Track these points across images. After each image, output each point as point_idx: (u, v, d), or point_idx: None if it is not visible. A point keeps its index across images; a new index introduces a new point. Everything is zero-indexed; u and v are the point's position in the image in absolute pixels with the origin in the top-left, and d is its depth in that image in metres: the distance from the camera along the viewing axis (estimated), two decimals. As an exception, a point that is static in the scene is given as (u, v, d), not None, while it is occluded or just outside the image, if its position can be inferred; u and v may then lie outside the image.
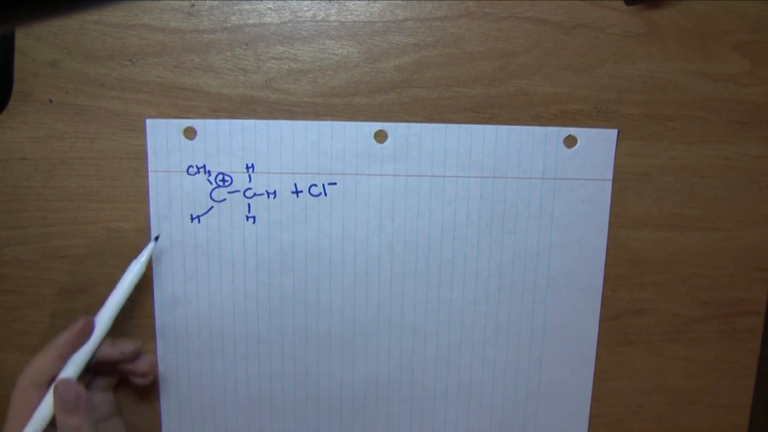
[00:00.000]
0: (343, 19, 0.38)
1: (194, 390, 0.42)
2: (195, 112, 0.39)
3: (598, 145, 0.40)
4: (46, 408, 0.34)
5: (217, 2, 0.38)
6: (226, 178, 0.39)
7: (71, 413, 0.34)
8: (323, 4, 0.38)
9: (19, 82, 0.38)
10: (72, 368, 0.35)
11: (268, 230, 0.40)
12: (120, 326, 0.41)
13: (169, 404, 0.42)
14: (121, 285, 0.37)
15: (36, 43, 0.38)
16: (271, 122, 0.39)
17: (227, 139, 0.39)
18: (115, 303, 0.37)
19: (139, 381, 0.39)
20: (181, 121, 0.39)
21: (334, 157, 0.39)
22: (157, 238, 0.39)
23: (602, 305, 0.42)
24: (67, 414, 0.34)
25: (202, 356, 0.41)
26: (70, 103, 0.38)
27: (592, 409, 0.43)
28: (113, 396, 0.40)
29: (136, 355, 0.38)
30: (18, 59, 0.38)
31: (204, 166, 0.39)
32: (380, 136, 0.39)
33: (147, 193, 0.40)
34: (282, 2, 0.38)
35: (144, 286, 0.41)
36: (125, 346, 0.38)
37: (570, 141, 0.40)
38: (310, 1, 0.38)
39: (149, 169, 0.39)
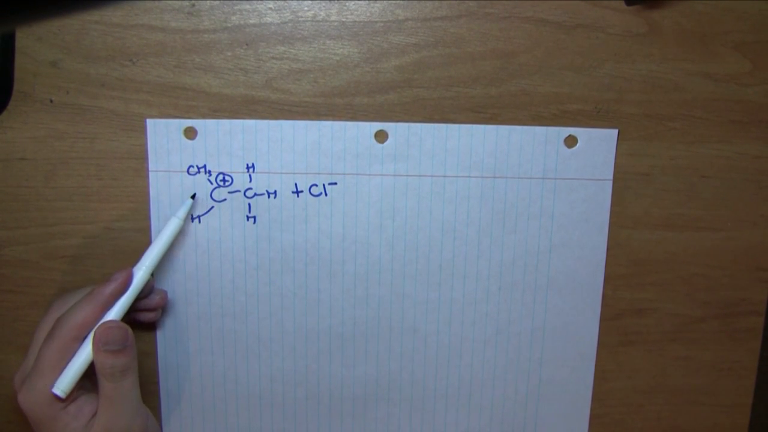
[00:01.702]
0: (344, 19, 0.38)
1: (194, 390, 0.42)
2: (195, 112, 0.39)
3: (599, 145, 0.40)
4: (84, 355, 0.34)
5: (217, 2, 0.38)
6: (227, 178, 0.39)
7: (120, 354, 0.34)
8: (324, 4, 0.38)
9: (19, 82, 0.38)
10: (113, 316, 0.35)
11: (269, 230, 0.40)
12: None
13: (169, 404, 0.42)
14: (158, 240, 0.38)
15: (36, 43, 0.38)
16: (272, 122, 0.39)
17: (228, 139, 0.39)
18: (152, 257, 0.37)
19: (149, 317, 0.39)
20: (182, 121, 0.39)
21: (334, 157, 0.39)
22: (194, 197, 0.39)
23: (602, 305, 0.42)
24: (115, 355, 0.34)
25: (202, 356, 0.41)
26: (71, 103, 0.38)
27: (592, 409, 0.43)
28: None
29: (150, 290, 0.38)
30: (18, 59, 0.38)
31: (204, 166, 0.39)
32: (381, 136, 0.39)
33: (147, 193, 0.40)
34: (282, 2, 0.38)
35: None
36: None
37: (570, 141, 0.40)
38: (310, 1, 0.38)
39: (150, 169, 0.39)
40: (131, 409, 0.35)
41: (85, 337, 0.34)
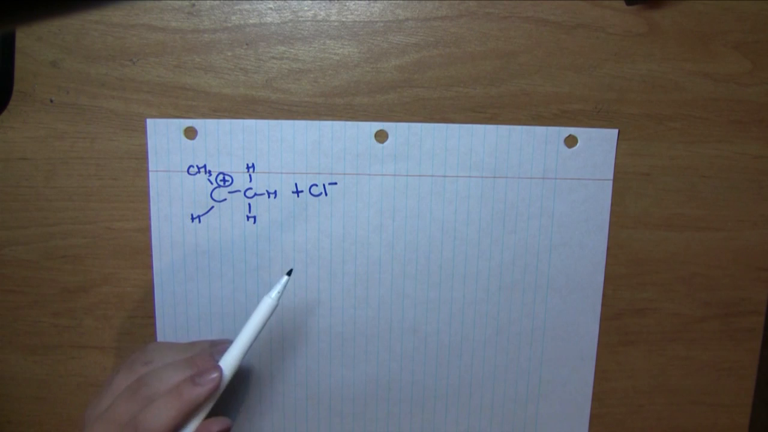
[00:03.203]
0: (344, 19, 0.38)
1: (195, 390, 0.42)
2: (195, 111, 0.39)
3: (599, 144, 0.40)
4: None
5: (217, 2, 0.38)
6: (227, 177, 0.39)
7: None
8: (324, 4, 0.38)
9: (19, 81, 0.38)
10: (201, 416, 0.34)
11: (269, 230, 0.40)
12: (121, 325, 0.41)
13: (169, 404, 0.42)
14: (249, 325, 0.34)
15: (36, 43, 0.38)
16: (272, 122, 0.39)
17: (228, 139, 0.39)
18: (241, 348, 0.34)
19: None
20: (182, 120, 0.39)
21: (334, 157, 0.39)
22: (290, 273, 0.36)
23: (603, 305, 0.42)
24: None
25: (203, 356, 0.41)
26: (71, 102, 0.38)
27: (592, 408, 0.43)
28: None
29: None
30: (18, 59, 0.38)
31: (204, 166, 0.39)
32: (381, 136, 0.39)
33: (147, 193, 0.40)
34: (282, 2, 0.38)
35: (144, 286, 0.41)
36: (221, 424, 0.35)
37: (570, 141, 0.40)
38: (310, 1, 0.38)
39: (150, 168, 0.39)
40: None
41: None
